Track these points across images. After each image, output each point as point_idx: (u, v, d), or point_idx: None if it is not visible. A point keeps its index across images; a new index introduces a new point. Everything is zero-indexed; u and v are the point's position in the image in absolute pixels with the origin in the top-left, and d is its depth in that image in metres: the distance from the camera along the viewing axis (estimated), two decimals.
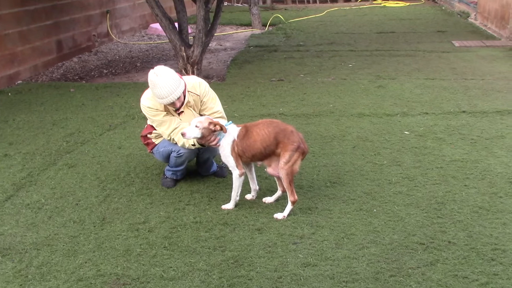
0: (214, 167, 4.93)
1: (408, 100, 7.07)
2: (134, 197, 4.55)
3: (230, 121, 4.23)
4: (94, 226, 4.08)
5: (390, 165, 5.04)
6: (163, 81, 4.21)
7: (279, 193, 4.36)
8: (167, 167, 4.77)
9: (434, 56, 9.88)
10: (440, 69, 8.80)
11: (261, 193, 4.51)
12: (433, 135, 5.79)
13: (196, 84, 4.54)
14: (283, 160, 4.02)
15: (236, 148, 4.10)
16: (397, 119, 6.36)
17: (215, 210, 4.27)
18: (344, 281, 3.29)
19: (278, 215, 4.11)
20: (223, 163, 4.91)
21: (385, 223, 3.98)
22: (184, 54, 8.80)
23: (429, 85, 7.81)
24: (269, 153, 4.11)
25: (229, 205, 4.29)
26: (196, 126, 4.07)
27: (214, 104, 4.58)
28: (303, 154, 4.11)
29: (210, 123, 4.06)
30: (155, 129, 4.63)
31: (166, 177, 4.78)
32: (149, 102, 4.45)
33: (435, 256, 3.52)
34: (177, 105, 4.36)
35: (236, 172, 4.17)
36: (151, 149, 4.76)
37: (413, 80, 8.13)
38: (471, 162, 5.04)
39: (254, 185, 4.43)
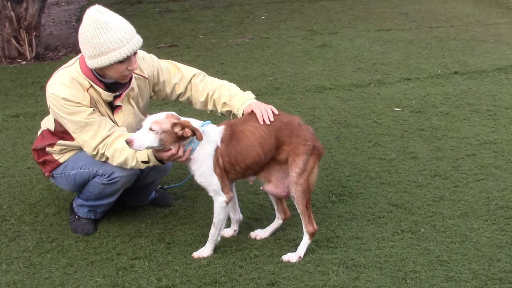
0: (153, 193, 4.36)
1: (374, 63, 7.05)
2: (36, 259, 3.83)
3: (208, 120, 3.69)
4: None
5: (402, 159, 4.89)
6: (116, 19, 3.55)
7: (278, 222, 3.97)
8: (79, 201, 4.10)
9: None
10: (389, 16, 8.95)
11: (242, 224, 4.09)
12: (435, 109, 5.79)
13: (140, 60, 3.89)
14: (295, 170, 3.62)
15: (221, 160, 3.59)
16: (373, 91, 6.27)
17: (185, 263, 3.73)
18: None
19: (291, 257, 3.71)
20: (164, 185, 4.40)
21: (447, 247, 3.79)
22: (12, 13, 7.95)
23: (388, 38, 7.87)
24: (268, 161, 3.68)
25: (206, 251, 3.79)
26: (151, 130, 3.46)
27: (179, 71, 4.03)
28: (319, 157, 3.75)
29: (174, 124, 3.47)
30: (60, 139, 3.88)
31: (79, 217, 4.12)
32: (65, 91, 3.65)
33: None
34: (134, 67, 3.68)
35: (221, 199, 3.65)
36: (51, 171, 4.03)
37: (362, 33, 8.15)
38: (507, 142, 5.09)
39: (237, 214, 3.99)
